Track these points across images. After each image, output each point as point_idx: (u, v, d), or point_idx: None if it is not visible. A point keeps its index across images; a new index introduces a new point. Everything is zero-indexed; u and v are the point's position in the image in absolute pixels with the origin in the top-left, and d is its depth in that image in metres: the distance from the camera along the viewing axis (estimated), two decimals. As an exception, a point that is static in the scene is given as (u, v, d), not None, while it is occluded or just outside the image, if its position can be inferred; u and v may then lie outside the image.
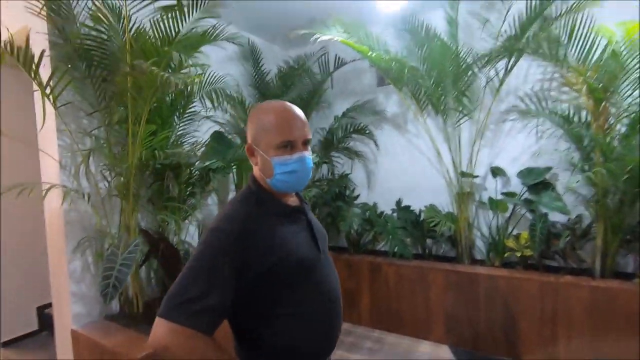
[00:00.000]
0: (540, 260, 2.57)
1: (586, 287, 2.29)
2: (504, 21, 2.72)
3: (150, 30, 2.04)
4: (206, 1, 2.11)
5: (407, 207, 3.24)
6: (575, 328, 2.32)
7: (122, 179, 2.07)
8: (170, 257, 2.05)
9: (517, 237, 2.65)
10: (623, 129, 2.36)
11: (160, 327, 0.78)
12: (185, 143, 2.50)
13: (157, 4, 2.00)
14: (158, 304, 2.06)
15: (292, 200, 1.02)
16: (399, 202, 3.30)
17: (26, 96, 2.30)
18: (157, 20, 2.02)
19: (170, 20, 2.03)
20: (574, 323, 2.32)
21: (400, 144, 3.46)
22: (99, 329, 1.99)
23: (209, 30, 2.18)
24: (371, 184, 3.65)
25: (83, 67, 1.97)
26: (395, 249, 2.94)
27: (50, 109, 1.88)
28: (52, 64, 1.92)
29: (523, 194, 2.77)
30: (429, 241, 3.12)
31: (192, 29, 2.13)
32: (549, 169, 2.71)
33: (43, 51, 1.73)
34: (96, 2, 1.90)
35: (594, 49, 2.38)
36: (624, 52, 2.26)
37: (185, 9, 2.04)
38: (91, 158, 2.09)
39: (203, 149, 2.52)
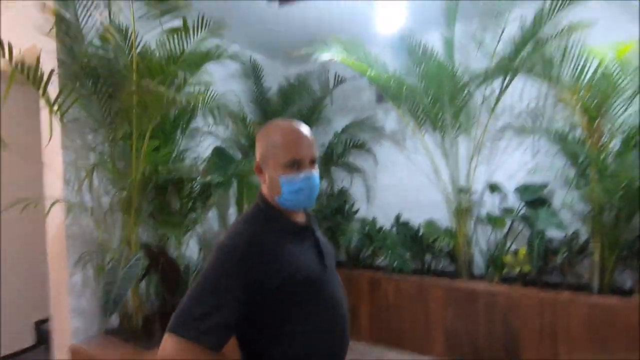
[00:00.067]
0: (539, 276, 2.58)
1: (585, 303, 2.30)
2: (498, 42, 2.80)
3: (156, 49, 2.10)
4: (210, 22, 2.18)
5: (406, 223, 3.26)
6: (574, 344, 2.31)
7: (124, 193, 2.09)
8: (170, 272, 2.05)
9: (516, 253, 2.67)
10: (617, 146, 2.41)
11: (170, 342, 0.79)
12: (187, 158, 2.54)
13: (165, 26, 2.07)
14: (158, 318, 2.09)
15: (300, 217, 1.03)
16: (398, 217, 3.33)
17: (29, 112, 2.33)
18: (163, 40, 2.09)
19: (176, 40, 2.09)
20: (573, 339, 2.32)
21: (399, 159, 3.51)
22: (98, 343, 1.99)
23: (212, 49, 2.24)
24: (370, 199, 3.68)
25: (89, 84, 2.02)
26: (395, 264, 2.94)
27: (56, 124, 1.92)
28: (60, 81, 1.97)
29: (520, 210, 2.79)
30: (428, 256, 3.13)
31: (196, 48, 2.19)
32: (545, 185, 2.75)
33: (52, 70, 1.79)
34: (105, 23, 1.96)
35: (586, 68, 2.42)
36: (616, 72, 2.30)
37: (191, 30, 2.10)
38: (94, 173, 2.12)
39: (204, 164, 2.56)
